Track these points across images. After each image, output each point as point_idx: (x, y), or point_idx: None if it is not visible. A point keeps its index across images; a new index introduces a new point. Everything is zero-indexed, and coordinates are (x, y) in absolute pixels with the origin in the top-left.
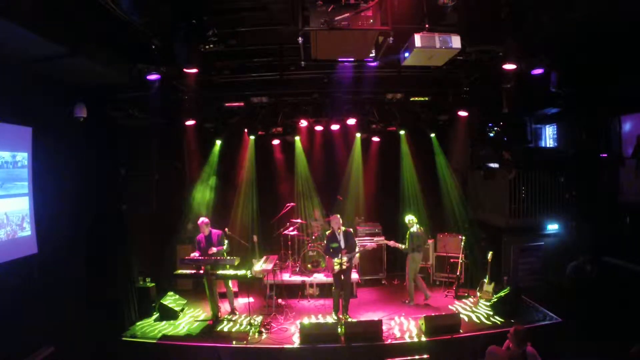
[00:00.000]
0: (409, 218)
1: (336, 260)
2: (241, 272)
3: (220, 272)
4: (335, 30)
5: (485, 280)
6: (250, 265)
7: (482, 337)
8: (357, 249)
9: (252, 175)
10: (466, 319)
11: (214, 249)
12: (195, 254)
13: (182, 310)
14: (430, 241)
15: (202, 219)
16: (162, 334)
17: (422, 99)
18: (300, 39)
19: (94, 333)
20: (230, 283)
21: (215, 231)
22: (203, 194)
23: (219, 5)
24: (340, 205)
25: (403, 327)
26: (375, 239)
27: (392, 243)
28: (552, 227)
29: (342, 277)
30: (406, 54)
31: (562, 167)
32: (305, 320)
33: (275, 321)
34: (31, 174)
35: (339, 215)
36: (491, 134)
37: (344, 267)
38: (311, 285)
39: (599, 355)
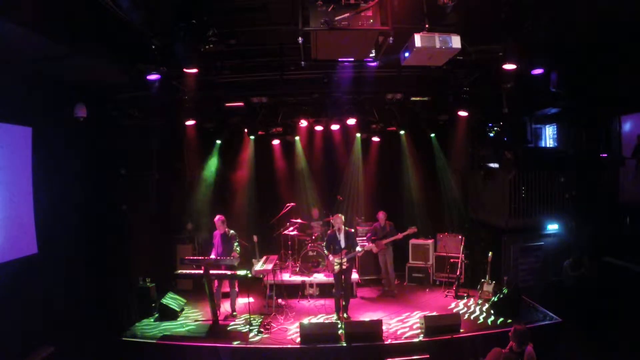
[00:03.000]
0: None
1: (336, 260)
2: (241, 272)
3: (220, 272)
4: (335, 30)
5: (485, 280)
6: (250, 265)
7: (482, 337)
8: (357, 249)
9: (252, 175)
10: (466, 318)
11: (234, 255)
12: (213, 256)
13: (182, 310)
14: (430, 241)
15: (220, 216)
16: (162, 334)
17: (422, 99)
18: (300, 39)
19: (94, 333)
20: (236, 284)
21: (229, 230)
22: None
23: (219, 5)
24: (340, 205)
25: (403, 327)
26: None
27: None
28: (552, 227)
29: (343, 278)
30: (406, 54)
31: (562, 167)
32: (305, 320)
33: (275, 321)
34: (31, 174)
35: (341, 215)
36: (491, 134)
37: (344, 267)
38: (311, 285)
39: (599, 356)
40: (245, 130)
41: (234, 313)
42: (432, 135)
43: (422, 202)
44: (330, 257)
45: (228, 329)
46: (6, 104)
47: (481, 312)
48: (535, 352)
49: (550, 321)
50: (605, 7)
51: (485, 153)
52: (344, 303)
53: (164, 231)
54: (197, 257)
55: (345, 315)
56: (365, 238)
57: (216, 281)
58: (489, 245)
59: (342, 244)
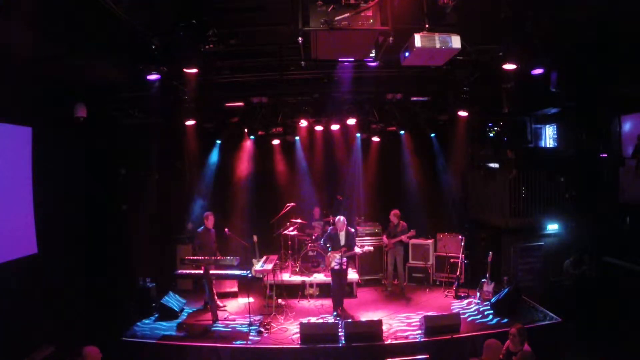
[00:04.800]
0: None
1: (336, 255)
2: (241, 272)
3: (220, 271)
4: (335, 30)
5: (485, 280)
6: (250, 265)
7: (482, 337)
8: (356, 249)
9: (252, 175)
10: (466, 318)
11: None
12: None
13: (182, 310)
14: (430, 241)
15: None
16: (162, 334)
17: (422, 99)
18: (300, 39)
19: (94, 333)
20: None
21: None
22: None
23: (219, 5)
24: (340, 205)
25: (403, 327)
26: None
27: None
28: (552, 227)
29: (340, 276)
30: (406, 54)
31: (562, 167)
32: (305, 320)
33: (275, 321)
34: (31, 174)
35: (344, 218)
36: (491, 134)
37: (344, 267)
38: (311, 285)
39: (599, 356)
40: (245, 130)
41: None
42: (432, 135)
43: (422, 202)
44: (330, 253)
45: (228, 329)
46: (6, 104)
47: (481, 312)
48: (535, 351)
49: (550, 321)
50: (605, 7)
51: (485, 153)
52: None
53: (164, 231)
54: (197, 257)
55: (341, 310)
56: (366, 238)
57: None
58: (489, 245)
59: (342, 242)
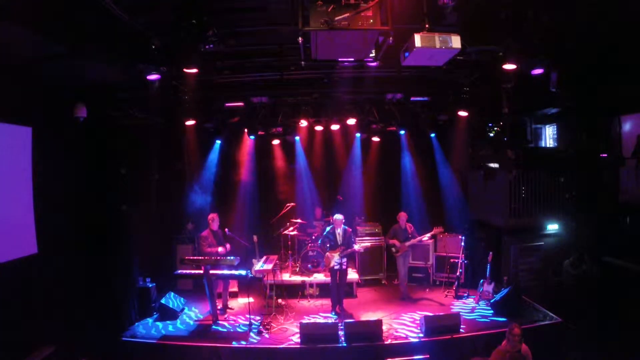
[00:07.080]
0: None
1: (335, 254)
2: (241, 272)
3: (220, 272)
4: (335, 30)
5: (485, 280)
6: (250, 265)
7: (482, 337)
8: (354, 247)
9: (252, 175)
10: (466, 318)
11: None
12: (221, 249)
13: (182, 310)
14: (430, 241)
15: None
16: (162, 334)
17: (422, 99)
18: (300, 39)
19: (94, 333)
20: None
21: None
22: None
23: (219, 5)
24: (340, 205)
25: (403, 327)
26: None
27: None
28: (552, 227)
29: (338, 274)
30: (406, 54)
31: (562, 167)
32: (305, 320)
33: (275, 321)
34: (31, 174)
35: (342, 217)
36: (491, 134)
37: (343, 267)
38: (311, 285)
39: (599, 356)
40: (245, 130)
41: (226, 309)
42: (432, 135)
43: (422, 202)
44: (328, 252)
45: (228, 329)
46: (6, 104)
47: (481, 312)
48: (535, 351)
49: (550, 321)
50: (606, 7)
51: (485, 153)
52: (339, 298)
53: (164, 231)
54: (197, 257)
55: (340, 309)
56: (366, 238)
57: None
58: (489, 245)
59: (339, 241)
